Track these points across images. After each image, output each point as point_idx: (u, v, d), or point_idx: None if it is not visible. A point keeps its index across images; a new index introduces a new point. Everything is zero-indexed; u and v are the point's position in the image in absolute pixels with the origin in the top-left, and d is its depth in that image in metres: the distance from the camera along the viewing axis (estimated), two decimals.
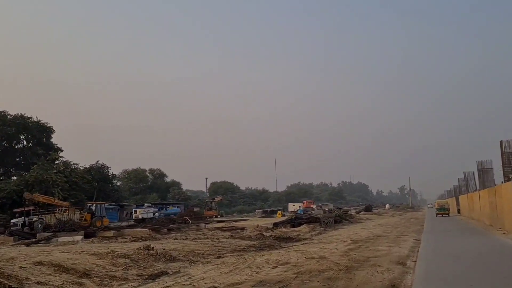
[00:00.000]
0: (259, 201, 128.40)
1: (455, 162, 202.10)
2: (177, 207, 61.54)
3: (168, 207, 60.80)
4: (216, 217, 57.92)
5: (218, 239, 23.56)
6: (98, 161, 63.77)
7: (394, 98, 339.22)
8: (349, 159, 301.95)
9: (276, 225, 32.70)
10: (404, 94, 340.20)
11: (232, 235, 25.78)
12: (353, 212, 59.89)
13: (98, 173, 60.82)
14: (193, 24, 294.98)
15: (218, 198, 66.35)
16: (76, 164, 57.24)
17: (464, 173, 45.95)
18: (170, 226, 34.63)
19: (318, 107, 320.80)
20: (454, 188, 65.60)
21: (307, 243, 20.39)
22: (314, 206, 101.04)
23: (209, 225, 36.93)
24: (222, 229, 31.35)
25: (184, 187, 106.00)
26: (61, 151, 60.84)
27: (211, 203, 60.06)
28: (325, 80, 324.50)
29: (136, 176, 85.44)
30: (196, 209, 58.88)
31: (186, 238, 24.32)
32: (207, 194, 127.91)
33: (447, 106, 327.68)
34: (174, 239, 23.83)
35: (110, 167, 64.01)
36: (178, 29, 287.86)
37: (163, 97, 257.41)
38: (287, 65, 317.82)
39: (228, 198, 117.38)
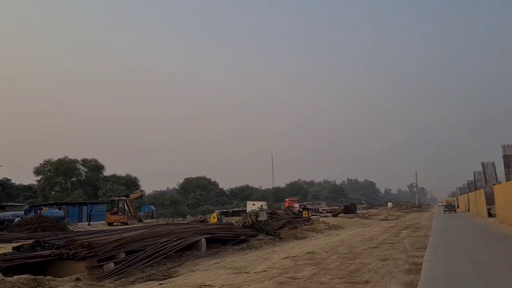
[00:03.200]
0: (238, 199, 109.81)
1: (466, 158, 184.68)
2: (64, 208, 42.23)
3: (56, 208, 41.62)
4: (125, 223, 38.58)
5: None
6: None
7: (404, 95, 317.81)
8: (356, 156, 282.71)
9: None
10: (416, 91, 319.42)
11: None
12: (325, 215, 40.35)
13: None
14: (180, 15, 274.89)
15: (135, 195, 46.96)
16: None
17: (483, 164, 38.68)
18: None
19: (324, 103, 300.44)
20: (468, 183, 58.79)
21: None
22: (297, 205, 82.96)
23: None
24: None
25: (152, 186, 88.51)
26: None
27: (120, 202, 40.77)
28: (330, 77, 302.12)
29: (57, 169, 66.06)
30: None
31: None
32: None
33: (459, 102, 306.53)
34: None
35: None
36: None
37: (159, 88, 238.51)
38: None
39: (196, 197, 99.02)
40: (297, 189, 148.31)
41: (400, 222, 34.34)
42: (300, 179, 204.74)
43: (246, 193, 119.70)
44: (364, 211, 58.82)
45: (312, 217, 35.41)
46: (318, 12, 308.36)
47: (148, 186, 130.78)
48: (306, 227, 24.72)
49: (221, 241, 16.17)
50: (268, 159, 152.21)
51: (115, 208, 41.17)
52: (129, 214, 41.29)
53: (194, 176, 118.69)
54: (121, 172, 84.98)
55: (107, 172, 76.80)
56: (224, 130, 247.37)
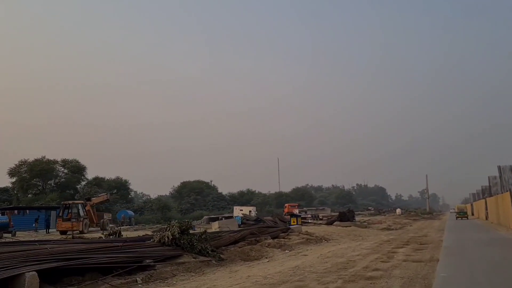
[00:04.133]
0: (236, 204, 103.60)
1: (480, 163, 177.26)
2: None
3: None
4: (81, 231, 32.63)
5: None
6: None
7: (415, 98, 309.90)
8: (366, 162, 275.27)
9: None
10: (427, 94, 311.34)
11: None
12: (319, 223, 33.87)
13: None
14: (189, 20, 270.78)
15: (98, 198, 40.97)
16: None
17: (499, 167, 35.12)
18: None
19: (333, 108, 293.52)
20: (482, 189, 56.46)
21: None
22: (297, 210, 76.87)
23: None
24: None
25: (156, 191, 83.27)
26: None
27: (75, 206, 34.60)
28: (340, 81, 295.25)
29: (32, 170, 60.44)
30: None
31: None
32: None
33: (469, 106, 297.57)
34: None
35: None
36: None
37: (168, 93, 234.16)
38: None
39: (190, 201, 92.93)
40: (302, 194, 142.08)
41: (404, 233, 27.82)
42: (307, 184, 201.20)
43: (246, 197, 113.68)
44: (366, 219, 52.19)
45: (295, 225, 28.96)
46: (329, 18, 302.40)
47: (152, 191, 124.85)
48: (270, 241, 18.34)
49: (101, 270, 9.96)
50: (275, 164, 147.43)
51: (70, 214, 35.18)
52: (86, 220, 35.27)
53: (192, 180, 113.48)
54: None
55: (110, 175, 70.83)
56: (232, 136, 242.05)
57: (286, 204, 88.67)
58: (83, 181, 68.12)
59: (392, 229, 33.95)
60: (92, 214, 36.77)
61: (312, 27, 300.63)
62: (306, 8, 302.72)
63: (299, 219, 36.24)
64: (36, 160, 62.88)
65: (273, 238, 20.84)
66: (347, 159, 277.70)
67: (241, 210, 54.60)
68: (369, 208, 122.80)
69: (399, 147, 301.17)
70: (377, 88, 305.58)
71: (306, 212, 77.76)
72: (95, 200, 39.48)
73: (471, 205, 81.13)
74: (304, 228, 30.02)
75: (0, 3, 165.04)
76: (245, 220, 39.71)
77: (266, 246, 16.89)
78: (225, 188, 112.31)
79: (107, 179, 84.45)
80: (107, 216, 55.20)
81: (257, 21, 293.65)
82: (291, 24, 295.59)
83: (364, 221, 42.06)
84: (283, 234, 22.69)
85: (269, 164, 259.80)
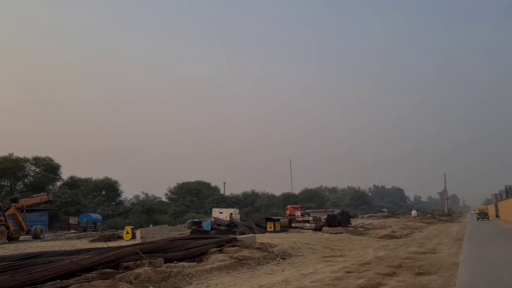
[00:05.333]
0: (238, 206, 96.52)
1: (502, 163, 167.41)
2: None
3: None
4: None
5: None
6: None
7: (434, 97, 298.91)
8: (382, 162, 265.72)
9: None
10: (445, 91, 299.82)
11: None
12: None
13: None
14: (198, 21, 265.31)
15: (31, 200, 33.56)
16: None
17: None
18: None
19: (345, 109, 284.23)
20: (506, 189, 59.68)
21: None
22: (299, 213, 69.45)
23: None
24: None
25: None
26: None
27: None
28: (348, 80, 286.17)
29: None
30: None
31: None
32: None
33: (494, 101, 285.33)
34: None
35: None
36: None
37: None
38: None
39: (185, 203, 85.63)
40: (312, 196, 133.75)
41: (405, 245, 19.83)
42: (321, 186, 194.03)
43: (249, 199, 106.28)
44: (368, 222, 44.08)
45: (248, 235, 21.14)
46: (332, 22, 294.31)
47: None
48: (147, 270, 10.65)
49: None
50: (289, 166, 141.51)
51: None
52: (2, 227, 28.00)
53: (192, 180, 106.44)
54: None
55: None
56: (246, 139, 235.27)
57: (288, 206, 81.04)
58: (58, 181, 61.33)
59: (394, 237, 25.91)
60: (20, 219, 29.59)
61: (317, 32, 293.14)
62: (311, 13, 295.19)
63: (277, 223, 28.52)
64: (2, 157, 56.31)
65: (191, 258, 13.32)
66: (363, 159, 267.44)
67: (221, 212, 47.00)
68: (383, 210, 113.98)
69: (416, 147, 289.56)
70: (385, 88, 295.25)
71: (309, 215, 69.86)
72: (25, 201, 32.25)
73: (495, 205, 73.62)
74: (276, 237, 22.42)
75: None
76: (215, 225, 32.41)
77: (132, 280, 9.25)
78: (238, 190, 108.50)
79: (95, 180, 78.23)
80: (72, 220, 48.44)
81: (263, 26, 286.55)
82: (296, 29, 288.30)
83: (361, 226, 33.82)
84: (214, 250, 15.04)
85: (283, 166, 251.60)
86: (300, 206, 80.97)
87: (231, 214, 45.95)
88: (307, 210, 72.43)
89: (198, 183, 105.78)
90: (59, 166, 61.27)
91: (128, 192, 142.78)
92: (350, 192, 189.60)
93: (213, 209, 52.82)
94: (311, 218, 68.03)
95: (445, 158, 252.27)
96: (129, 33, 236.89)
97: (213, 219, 34.75)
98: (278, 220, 29.73)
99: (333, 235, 26.07)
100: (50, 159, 60.54)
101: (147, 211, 62.94)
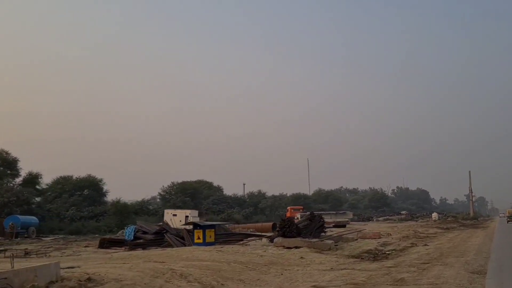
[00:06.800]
0: (237, 207, 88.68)
1: None
2: None
3: None
4: None
5: None
6: None
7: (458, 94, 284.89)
8: (406, 163, 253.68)
9: None
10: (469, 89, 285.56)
11: None
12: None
13: None
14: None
15: None
16: None
17: None
18: None
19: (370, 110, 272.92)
20: None
21: None
22: (298, 215, 60.90)
23: None
24: None
25: None
26: None
27: None
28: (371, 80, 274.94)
29: None
30: None
31: None
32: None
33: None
34: None
35: None
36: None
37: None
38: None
39: (176, 203, 77.38)
40: (325, 197, 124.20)
41: (374, 278, 10.80)
42: (341, 187, 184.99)
43: (253, 200, 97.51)
44: (363, 227, 34.78)
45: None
46: (357, 26, 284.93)
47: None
48: None
49: None
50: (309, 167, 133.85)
51: None
52: None
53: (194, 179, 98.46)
54: None
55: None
56: (277, 143, 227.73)
57: (289, 207, 72.23)
58: (17, 177, 53.95)
59: (378, 256, 16.85)
60: None
61: (344, 36, 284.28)
62: (338, 17, 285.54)
63: (210, 232, 19.79)
64: None
65: None
66: (385, 160, 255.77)
67: (175, 215, 38.36)
68: (401, 212, 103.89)
69: (439, 146, 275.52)
70: (406, 87, 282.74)
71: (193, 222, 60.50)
72: None
73: None
74: (185, 254, 14.00)
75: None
76: (141, 232, 23.96)
77: None
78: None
79: (76, 178, 70.91)
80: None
81: (295, 31, 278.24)
82: (323, 33, 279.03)
83: (332, 236, 24.02)
84: None
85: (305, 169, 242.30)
86: (301, 207, 72.03)
87: (186, 216, 37.37)
88: (306, 212, 63.33)
89: (197, 182, 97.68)
90: (17, 160, 53.90)
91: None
92: (370, 193, 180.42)
93: (165, 211, 43.81)
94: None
95: (471, 159, 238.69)
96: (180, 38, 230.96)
97: (162, 223, 26.53)
98: (213, 226, 20.87)
99: (286, 250, 17.27)
100: (7, 153, 53.23)
101: (121, 213, 55.21)
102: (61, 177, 69.62)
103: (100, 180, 73.14)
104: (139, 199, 72.66)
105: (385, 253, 18.14)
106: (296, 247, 18.05)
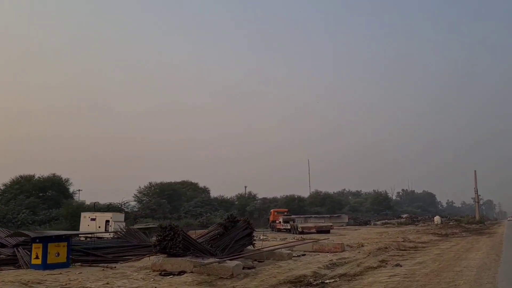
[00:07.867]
0: (222, 210, 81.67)
1: None
2: None
3: None
4: None
5: None
6: None
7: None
8: (411, 165, 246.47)
9: None
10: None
11: None
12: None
13: None
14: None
15: None
16: None
17: None
18: None
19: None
20: None
21: None
22: (281, 219, 54.71)
23: None
24: None
25: None
26: None
27: None
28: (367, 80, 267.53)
29: None
30: None
31: None
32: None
33: None
34: None
35: None
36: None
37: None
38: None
39: (150, 206, 70.38)
40: (322, 199, 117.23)
41: None
42: (344, 189, 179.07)
43: (241, 202, 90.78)
44: (356, 230, 27.55)
45: None
46: (346, 24, 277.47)
47: None
48: None
49: None
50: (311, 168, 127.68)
51: None
52: None
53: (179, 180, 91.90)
54: None
55: None
56: (267, 141, 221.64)
57: (272, 210, 65.12)
58: None
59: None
60: None
61: (333, 34, 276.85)
62: (327, 15, 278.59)
63: (54, 247, 12.71)
64: None
65: None
66: (389, 163, 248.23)
67: (93, 219, 31.26)
68: (401, 216, 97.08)
69: (456, 150, 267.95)
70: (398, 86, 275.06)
71: (294, 221, 54.07)
72: None
73: None
74: None
75: None
76: None
77: None
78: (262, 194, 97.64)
79: (38, 177, 64.39)
80: None
81: (282, 28, 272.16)
82: (314, 31, 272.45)
83: (261, 251, 16.99)
84: None
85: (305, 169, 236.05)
86: (286, 210, 64.83)
87: (107, 221, 30.27)
88: (291, 216, 56.24)
89: (182, 183, 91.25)
90: None
91: None
92: (372, 196, 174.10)
93: (82, 214, 34.77)
94: (288, 227, 52.60)
95: (479, 162, 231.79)
96: (156, 35, 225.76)
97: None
98: (65, 239, 13.54)
99: (160, 278, 10.16)
100: None
101: (72, 217, 48.47)
102: (20, 176, 63.27)
103: (66, 180, 66.88)
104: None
105: (323, 282, 11.12)
106: (180, 273, 11.09)
